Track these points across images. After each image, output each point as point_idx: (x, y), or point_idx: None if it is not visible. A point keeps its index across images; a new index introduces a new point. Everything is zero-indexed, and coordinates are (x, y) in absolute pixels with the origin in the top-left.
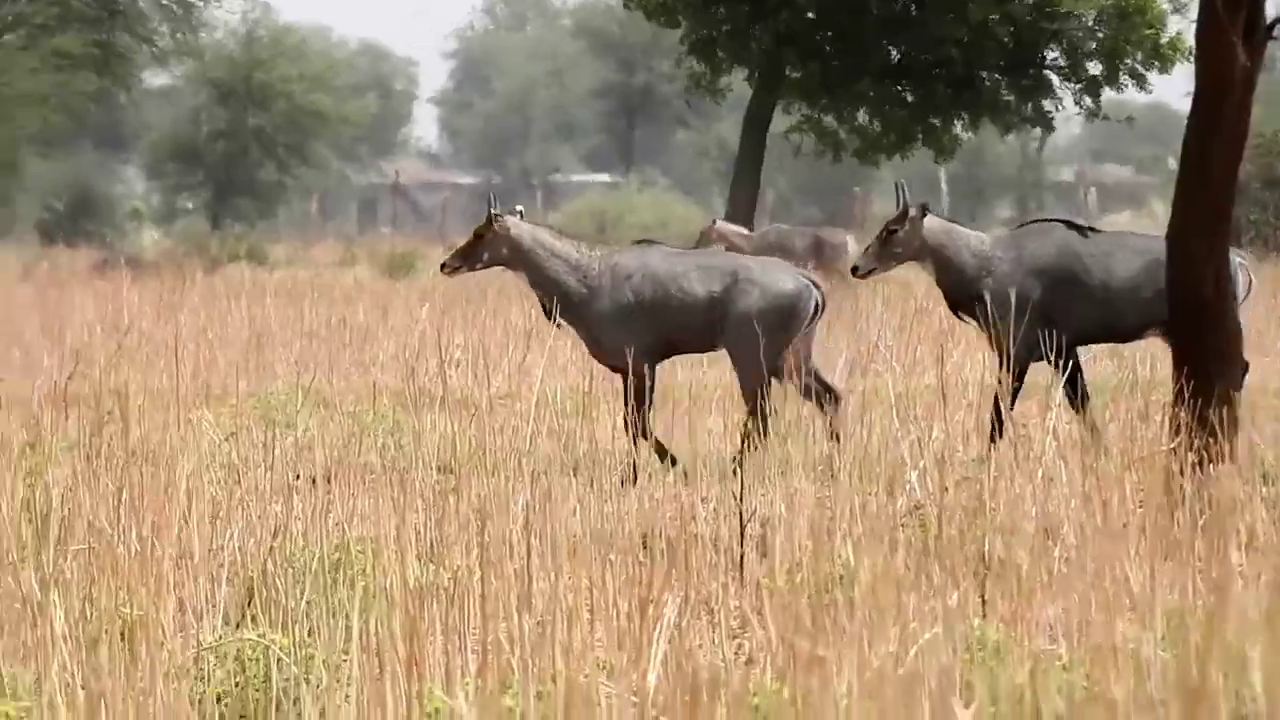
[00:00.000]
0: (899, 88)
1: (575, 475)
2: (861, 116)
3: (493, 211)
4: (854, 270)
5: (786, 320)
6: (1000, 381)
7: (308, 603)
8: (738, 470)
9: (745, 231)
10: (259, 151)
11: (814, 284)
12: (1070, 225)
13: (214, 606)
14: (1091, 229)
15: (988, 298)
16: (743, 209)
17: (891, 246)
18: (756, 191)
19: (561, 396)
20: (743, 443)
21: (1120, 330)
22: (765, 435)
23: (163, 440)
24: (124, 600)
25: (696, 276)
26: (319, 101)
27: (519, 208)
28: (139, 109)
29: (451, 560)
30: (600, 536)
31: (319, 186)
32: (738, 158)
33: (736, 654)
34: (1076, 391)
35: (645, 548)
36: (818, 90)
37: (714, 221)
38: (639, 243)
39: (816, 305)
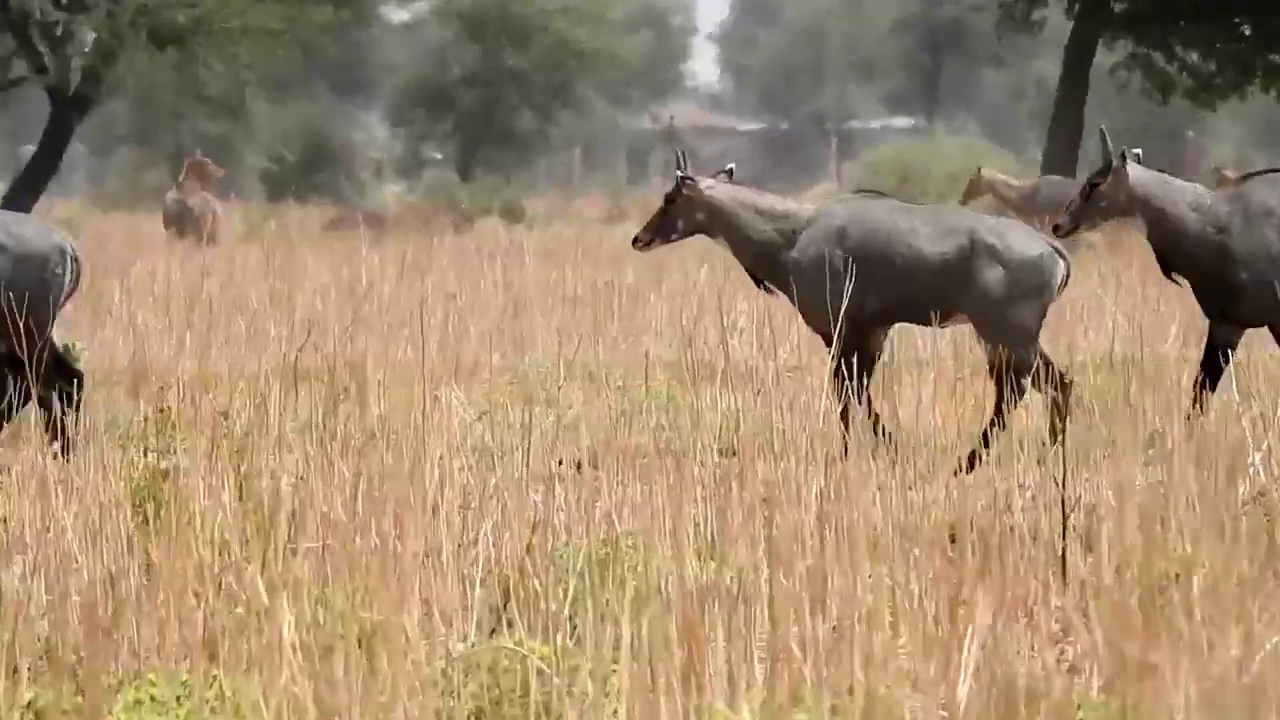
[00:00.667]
0: (1236, 20)
1: (874, 458)
2: (1194, 53)
3: (681, 173)
4: (1055, 229)
5: (1033, 290)
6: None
7: (571, 606)
8: (1059, 452)
9: (1014, 182)
10: (515, 95)
11: (1058, 251)
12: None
13: (465, 611)
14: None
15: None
16: (1062, 157)
17: (1095, 202)
18: (1079, 137)
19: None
20: (992, 423)
21: None
22: (1011, 411)
23: (406, 421)
24: (362, 604)
25: (926, 235)
26: (585, 38)
27: (728, 166)
28: (380, 47)
29: (735, 557)
30: (904, 529)
31: (583, 134)
32: (1056, 99)
33: (1058, 662)
34: None
35: (954, 542)
36: (1146, 22)
37: (979, 169)
38: (859, 192)
39: (1065, 274)
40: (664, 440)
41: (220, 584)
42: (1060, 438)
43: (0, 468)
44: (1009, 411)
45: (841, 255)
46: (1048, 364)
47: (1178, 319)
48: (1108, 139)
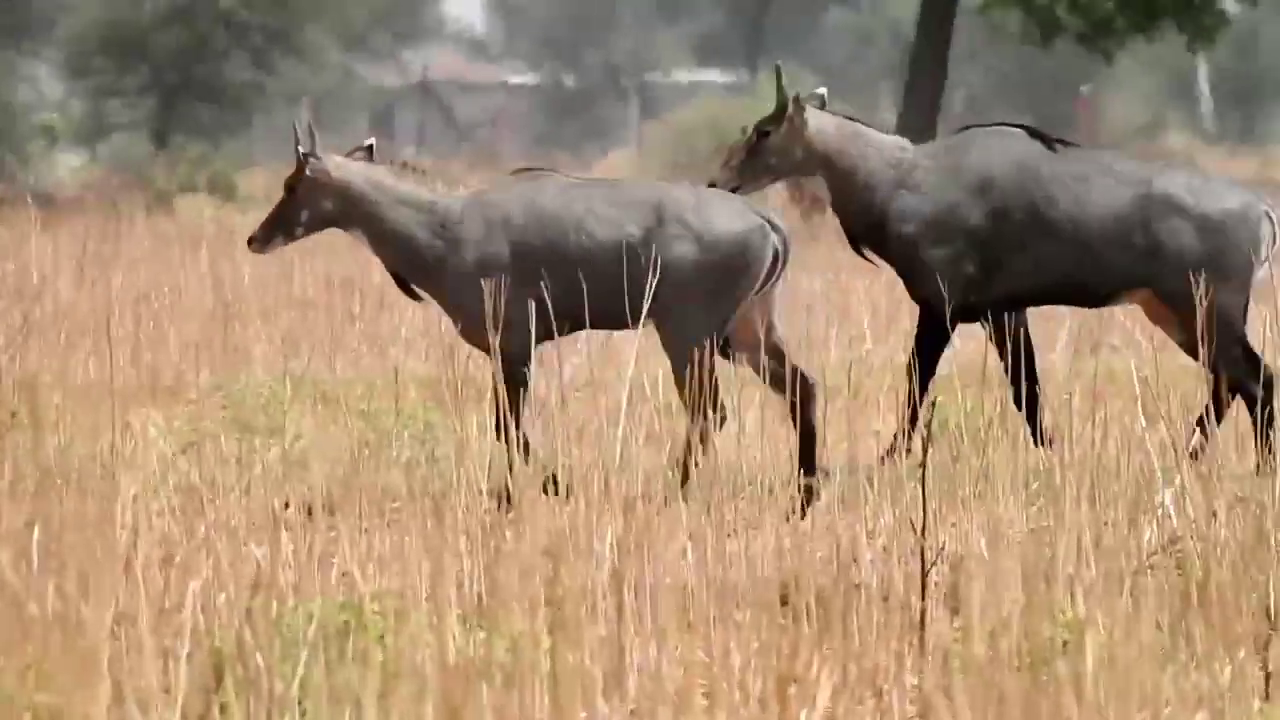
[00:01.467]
0: None
1: (685, 500)
2: None
3: (302, 150)
4: (709, 188)
5: (733, 275)
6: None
7: (302, 687)
8: (918, 490)
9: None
10: (226, 39)
11: (771, 223)
12: (1033, 134)
13: (167, 694)
14: (1063, 142)
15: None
16: (919, 117)
17: (764, 155)
18: (939, 92)
19: (665, 386)
20: (685, 454)
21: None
22: (705, 443)
23: (91, 454)
24: (37, 685)
25: (606, 217)
26: None
27: (368, 142)
28: None
29: (510, 624)
30: (722, 588)
31: (313, 89)
32: (913, 46)
33: None
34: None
35: (786, 604)
36: None
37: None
38: (522, 171)
39: (776, 253)
40: (419, 478)
41: None
42: (920, 472)
43: None
44: (700, 443)
45: (509, 250)
46: (795, 372)
47: (1068, 324)
48: (781, 76)
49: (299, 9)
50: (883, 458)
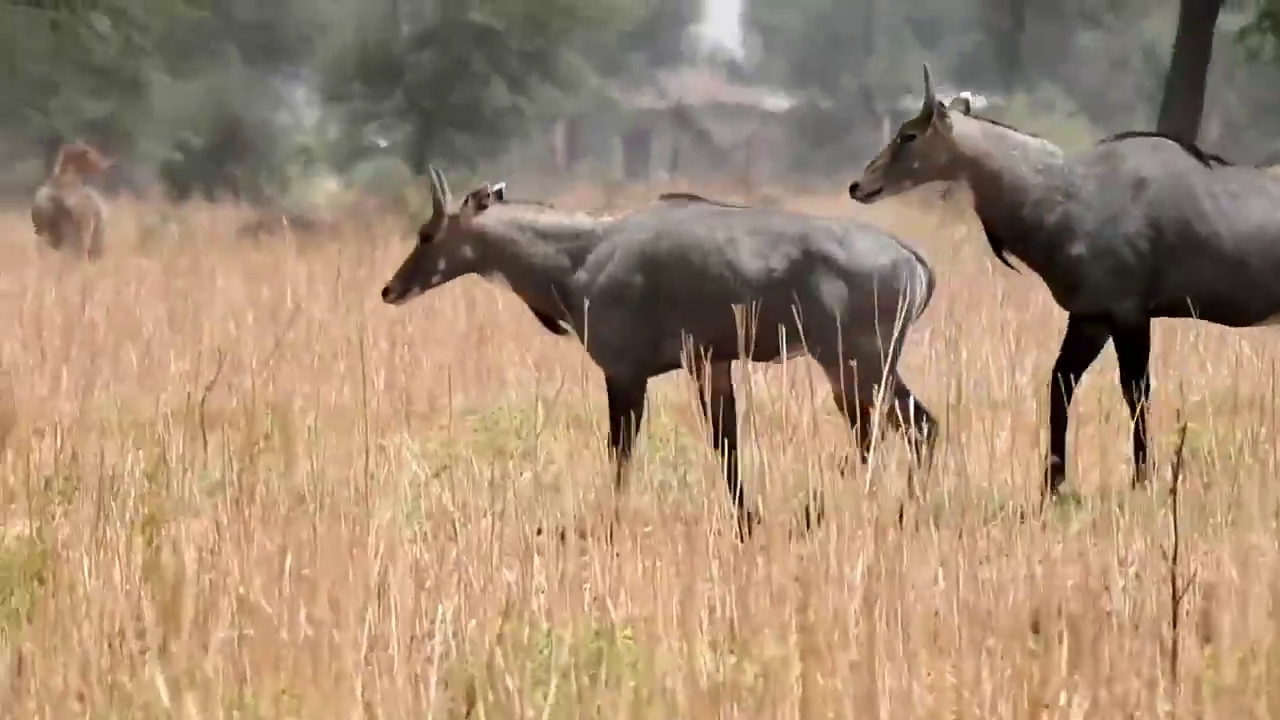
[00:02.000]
0: None
1: (936, 525)
2: None
3: (442, 199)
4: (852, 190)
5: (883, 308)
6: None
7: (552, 713)
8: (1169, 518)
9: None
10: (483, 63)
11: (917, 257)
12: (1188, 148)
13: (419, 718)
14: (1218, 159)
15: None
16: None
17: (908, 160)
18: (1198, 117)
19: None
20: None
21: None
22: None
23: (344, 479)
24: (290, 709)
25: (749, 246)
26: None
27: (496, 186)
28: (307, 2)
29: (760, 649)
30: (974, 615)
31: (568, 112)
32: (1170, 70)
33: None
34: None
35: (1037, 631)
36: None
37: None
38: (665, 198)
39: (922, 286)
40: (671, 503)
41: (111, 685)
42: (1170, 499)
43: None
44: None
45: (642, 278)
46: (908, 400)
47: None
48: (929, 77)
49: (556, 32)
50: (1132, 482)
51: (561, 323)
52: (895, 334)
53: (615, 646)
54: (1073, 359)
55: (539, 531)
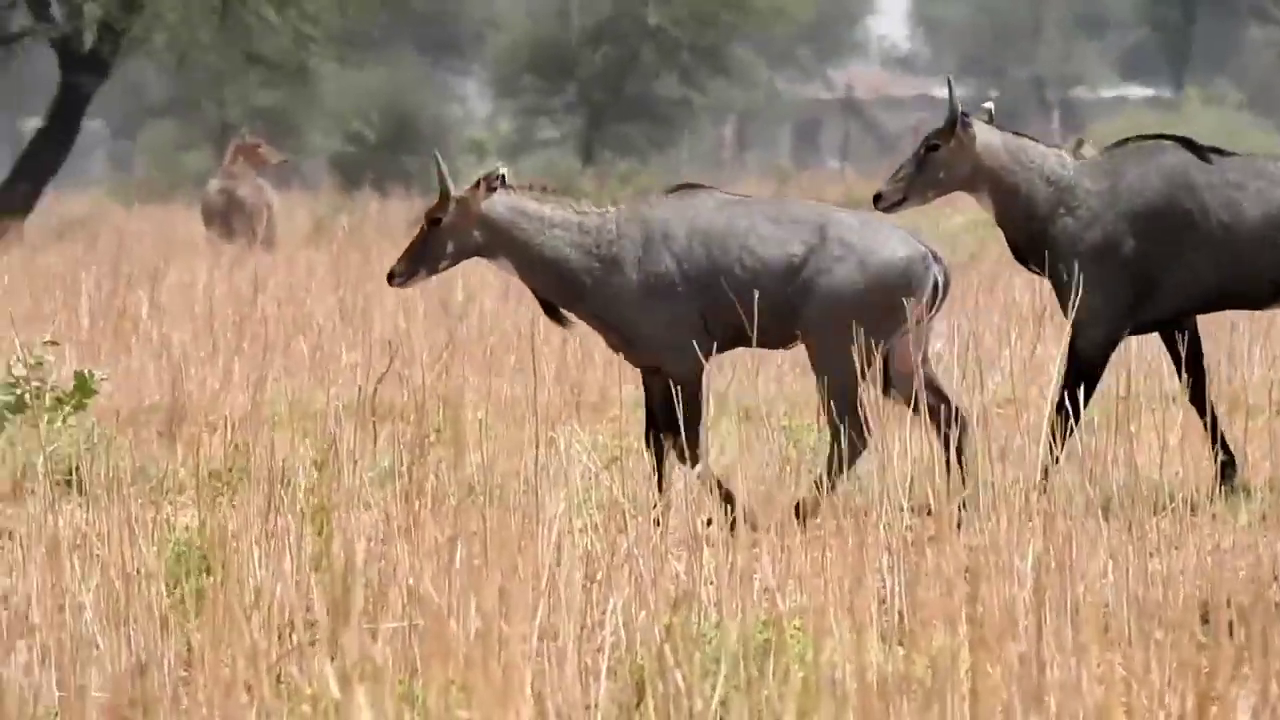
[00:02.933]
0: None
1: (1106, 517)
2: None
3: (447, 183)
4: (876, 200)
5: (893, 302)
6: (1073, 364)
7: (723, 703)
8: None
9: None
10: (654, 56)
11: (934, 255)
12: (1188, 145)
13: (588, 709)
14: (1218, 151)
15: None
16: None
17: (932, 170)
18: None
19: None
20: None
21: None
22: (849, 466)
23: (514, 471)
24: (459, 700)
25: (769, 234)
26: None
27: (501, 171)
28: None
29: (929, 641)
30: (1143, 606)
31: (739, 105)
32: None
33: None
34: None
35: (1207, 622)
36: None
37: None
38: (678, 188)
39: (936, 284)
40: (840, 494)
41: (279, 675)
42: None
43: (0, 530)
44: (841, 466)
45: (674, 266)
46: (940, 396)
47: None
48: (953, 88)
49: (726, 25)
50: None
51: (565, 313)
52: (914, 328)
53: (784, 638)
54: (1176, 361)
55: (708, 523)
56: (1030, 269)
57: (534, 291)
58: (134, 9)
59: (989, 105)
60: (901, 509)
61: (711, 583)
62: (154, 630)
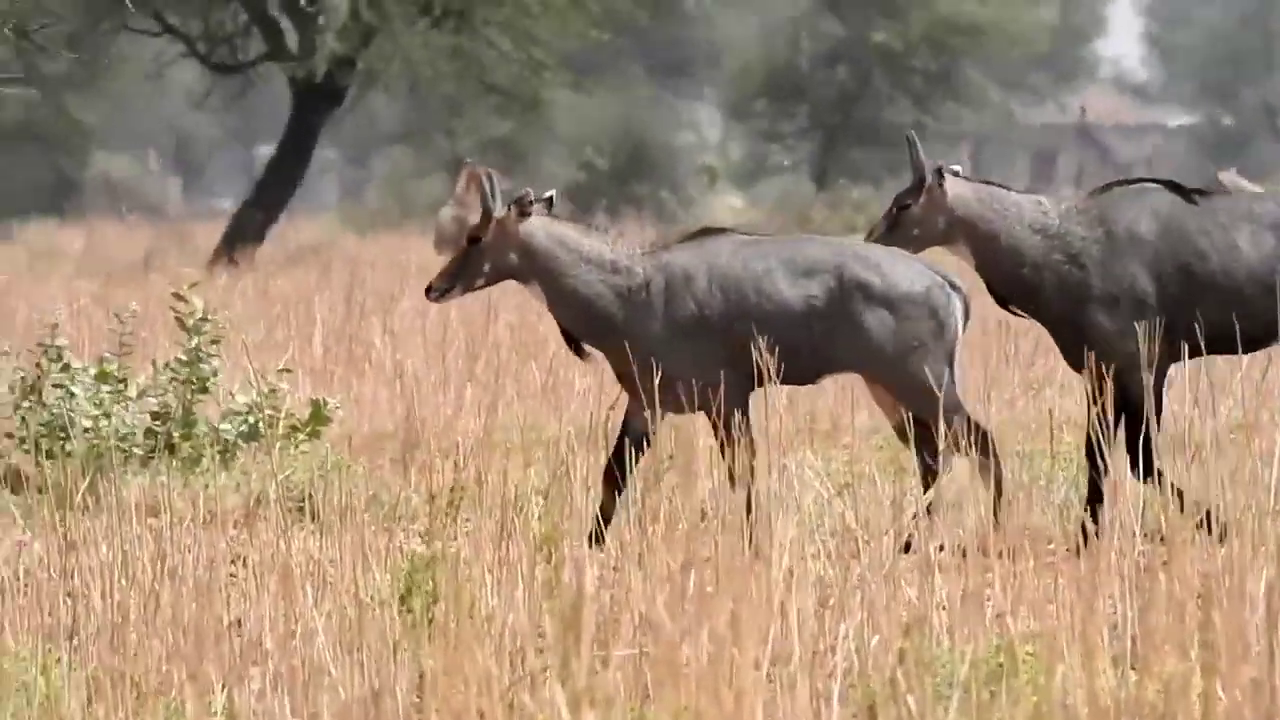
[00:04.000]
0: None
1: None
2: None
3: (489, 202)
4: None
5: (927, 330)
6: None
7: None
8: None
9: (1260, 190)
10: (885, 81)
11: (950, 283)
12: (1173, 188)
13: None
14: (1201, 192)
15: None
16: None
17: (906, 228)
18: None
19: None
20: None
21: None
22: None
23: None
24: None
25: (785, 277)
26: (976, 11)
27: (548, 193)
28: (713, 20)
29: (1162, 665)
30: None
31: (973, 129)
32: None
33: None
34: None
35: None
36: None
37: (1217, 172)
38: (701, 232)
39: (959, 313)
40: (1073, 520)
41: (511, 702)
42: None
43: (234, 556)
44: (931, 483)
45: (697, 310)
46: (967, 422)
47: None
48: (917, 145)
49: (959, 49)
50: None
51: (586, 346)
52: (944, 357)
53: (1016, 662)
54: None
55: (940, 548)
56: (1011, 311)
57: (559, 322)
58: (370, 40)
59: (957, 168)
60: (1133, 534)
61: (943, 608)
62: (386, 656)
